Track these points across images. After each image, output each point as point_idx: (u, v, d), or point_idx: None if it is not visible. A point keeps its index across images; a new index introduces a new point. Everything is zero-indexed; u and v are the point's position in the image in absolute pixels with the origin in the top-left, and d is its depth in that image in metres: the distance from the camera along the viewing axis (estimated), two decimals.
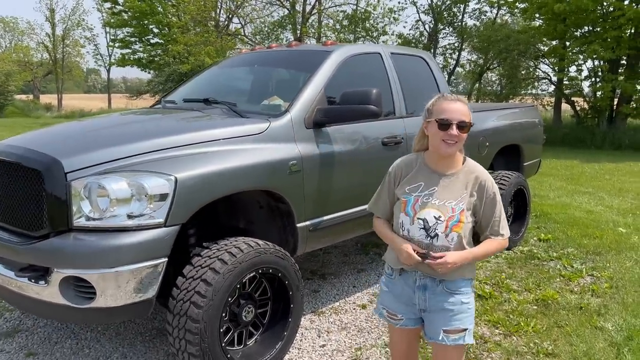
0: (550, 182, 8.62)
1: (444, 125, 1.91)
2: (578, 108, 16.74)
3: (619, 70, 15.21)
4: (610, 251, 4.90)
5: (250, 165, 2.73)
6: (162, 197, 2.36)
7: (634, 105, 14.83)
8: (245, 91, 3.77)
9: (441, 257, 1.88)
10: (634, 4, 13.60)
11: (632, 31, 14.34)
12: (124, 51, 25.99)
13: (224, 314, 2.49)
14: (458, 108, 1.92)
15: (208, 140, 2.73)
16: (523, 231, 5.13)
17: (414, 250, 1.93)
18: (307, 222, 3.12)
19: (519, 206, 5.15)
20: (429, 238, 1.94)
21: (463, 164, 2.04)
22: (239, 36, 27.08)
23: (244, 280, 2.56)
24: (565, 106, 17.94)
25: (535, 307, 3.65)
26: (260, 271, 2.64)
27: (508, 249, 4.92)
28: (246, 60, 4.06)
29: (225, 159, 2.66)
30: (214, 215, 2.99)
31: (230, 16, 27.16)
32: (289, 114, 3.08)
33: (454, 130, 1.89)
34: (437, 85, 4.31)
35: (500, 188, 4.75)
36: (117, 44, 26.66)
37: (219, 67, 4.17)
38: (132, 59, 25.34)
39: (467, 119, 1.93)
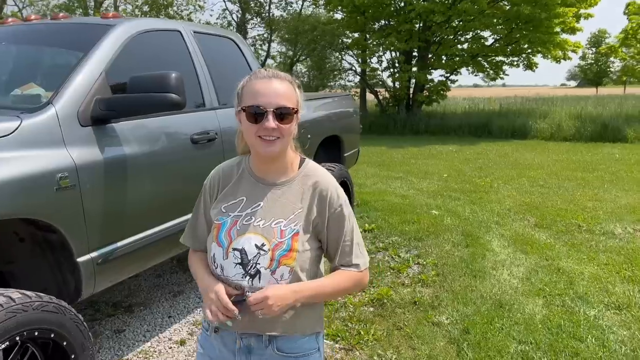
0: (364, 170, 8.83)
1: (256, 114, 1.34)
2: (381, 97, 17.96)
3: (412, 62, 16.63)
4: (429, 235, 4.99)
5: None
6: None
7: (427, 93, 16.39)
8: None
9: (261, 298, 1.29)
10: (421, 0, 14.90)
11: (421, 25, 15.76)
12: None
13: None
14: (275, 89, 1.35)
15: None
16: None
17: (230, 297, 1.33)
18: (93, 254, 2.31)
19: None
20: (247, 277, 1.35)
21: (300, 167, 1.48)
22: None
23: None
24: (369, 95, 19.12)
25: (372, 309, 3.39)
26: (20, 338, 1.80)
27: None
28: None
29: None
30: None
31: None
32: (53, 107, 2.22)
33: (271, 122, 1.32)
34: (250, 70, 3.77)
35: None
36: None
37: None
38: None
39: (290, 103, 1.36)
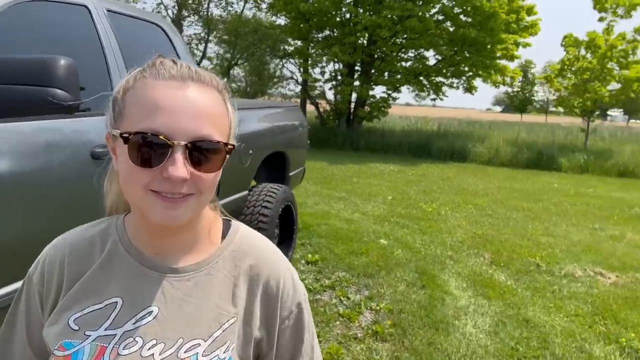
0: (305, 187, 8.17)
1: (152, 149, 0.73)
2: (321, 110, 17.45)
3: (354, 76, 16.28)
4: (380, 271, 4.39)
5: None
6: None
7: (368, 109, 16.06)
8: None
9: None
10: (368, 13, 14.57)
11: (366, 39, 15.44)
12: None
13: None
14: (192, 102, 0.75)
15: None
16: (290, 255, 4.24)
17: None
18: None
19: (284, 225, 4.24)
20: None
21: (225, 237, 0.89)
22: None
23: None
24: (310, 107, 18.57)
25: None
26: None
27: None
28: None
29: None
30: None
31: None
32: None
33: (179, 166, 0.72)
34: None
35: (265, 207, 3.73)
36: None
37: None
38: None
39: (218, 132, 0.77)
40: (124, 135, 0.73)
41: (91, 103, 2.00)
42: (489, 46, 14.47)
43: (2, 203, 1.69)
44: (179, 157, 0.71)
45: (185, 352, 0.77)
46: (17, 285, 1.78)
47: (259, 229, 3.68)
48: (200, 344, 0.78)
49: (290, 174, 4.56)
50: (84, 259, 0.84)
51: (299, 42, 17.41)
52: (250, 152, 3.59)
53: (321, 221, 5.95)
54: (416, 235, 5.67)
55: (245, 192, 3.72)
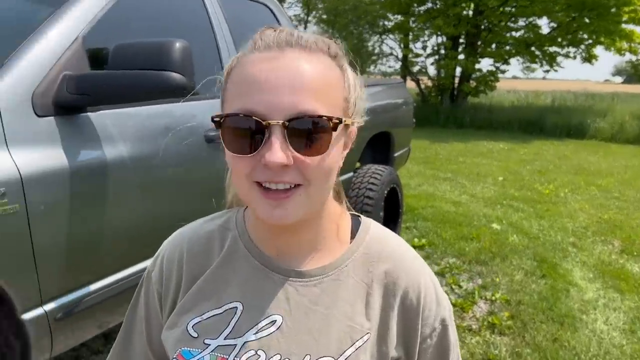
0: (407, 167, 7.91)
1: (248, 132, 0.63)
2: (423, 86, 16.85)
3: (459, 50, 15.48)
4: (494, 258, 4.11)
5: None
6: None
7: (474, 84, 15.23)
8: None
9: None
10: None
11: (472, 9, 14.57)
12: None
13: None
14: (292, 70, 0.63)
15: None
16: None
17: None
18: (49, 306, 1.56)
19: (389, 209, 4.10)
20: None
21: (355, 237, 0.77)
22: None
23: None
24: (410, 84, 18.04)
25: None
26: None
27: None
28: None
29: None
30: None
31: None
32: None
33: (276, 150, 0.61)
34: None
35: (370, 189, 3.61)
36: None
37: None
38: None
39: (327, 105, 0.64)
40: (215, 119, 0.65)
41: (203, 86, 1.99)
42: (613, 9, 12.96)
43: (122, 187, 1.74)
44: (276, 139, 0.61)
45: None
46: (139, 266, 1.83)
47: (363, 212, 3.58)
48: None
49: (395, 154, 4.40)
50: (203, 256, 0.77)
51: (399, 17, 16.86)
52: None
53: (426, 203, 5.72)
54: (532, 219, 5.25)
55: (350, 174, 3.62)
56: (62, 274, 1.58)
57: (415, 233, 4.67)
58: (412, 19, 16.14)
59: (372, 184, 3.65)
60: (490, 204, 5.87)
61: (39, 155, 1.49)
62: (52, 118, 1.57)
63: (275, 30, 0.68)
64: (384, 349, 0.70)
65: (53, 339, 1.61)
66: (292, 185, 0.64)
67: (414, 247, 4.27)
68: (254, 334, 0.69)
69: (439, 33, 15.34)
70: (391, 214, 4.11)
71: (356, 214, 0.82)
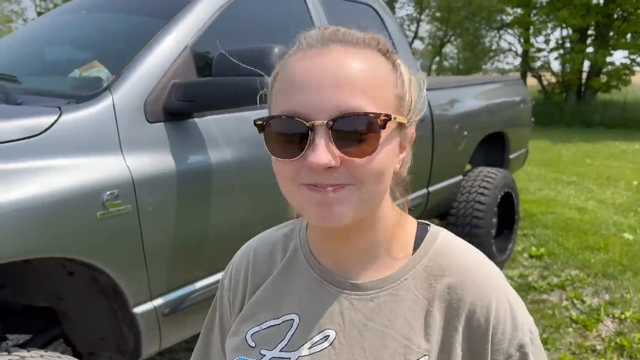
0: (526, 170, 7.40)
1: (292, 135, 0.60)
2: (545, 83, 15.70)
3: (587, 42, 14.19)
4: (625, 271, 3.67)
5: None
6: None
7: (605, 78, 13.87)
8: (54, 54, 2.20)
9: None
10: None
11: None
12: None
13: None
14: (335, 68, 0.59)
15: None
16: (510, 248, 3.83)
17: None
18: (158, 302, 1.66)
19: (504, 214, 3.84)
20: None
21: (417, 248, 0.71)
22: None
23: None
24: (531, 81, 16.92)
25: None
26: None
27: None
28: (83, 3, 2.44)
29: None
30: None
31: None
32: (111, 95, 1.58)
33: (320, 151, 0.58)
34: (394, 47, 2.87)
35: (482, 193, 3.41)
36: None
37: (48, 17, 2.56)
38: None
39: (373, 101, 0.60)
40: (257, 123, 0.62)
41: None
42: None
43: (226, 189, 1.80)
44: (320, 140, 0.58)
45: None
46: None
47: (474, 218, 3.39)
48: None
49: (511, 156, 4.11)
50: (266, 264, 0.77)
51: (518, 10, 15.87)
52: (465, 133, 3.30)
53: (546, 209, 5.29)
54: None
55: (459, 178, 3.45)
56: (169, 271, 1.68)
57: (532, 241, 4.33)
58: (534, 11, 15.09)
59: (484, 187, 3.45)
60: (622, 211, 5.27)
61: (149, 159, 1.59)
62: (161, 124, 1.67)
63: (320, 29, 0.66)
64: None
65: (162, 334, 1.71)
66: (338, 185, 0.60)
67: (531, 256, 3.97)
68: (307, 348, 0.67)
69: (564, 25, 14.19)
70: (506, 220, 3.85)
71: (426, 222, 0.76)
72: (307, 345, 0.68)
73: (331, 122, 0.58)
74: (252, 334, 0.72)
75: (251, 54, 1.63)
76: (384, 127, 0.60)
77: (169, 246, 1.65)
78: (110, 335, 1.73)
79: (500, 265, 3.66)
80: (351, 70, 0.59)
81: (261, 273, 0.77)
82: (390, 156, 0.64)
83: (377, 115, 0.59)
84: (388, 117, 0.60)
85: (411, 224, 0.74)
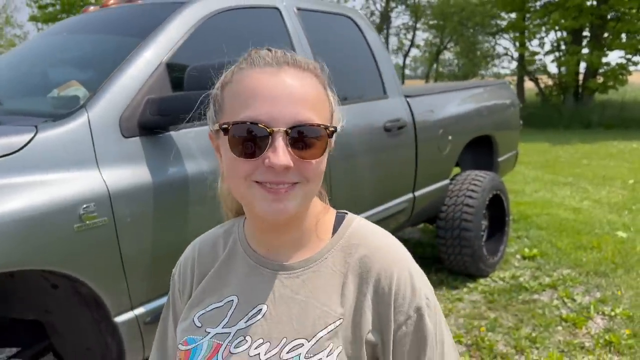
0: (523, 172, 7.45)
1: (252, 138, 0.72)
2: (542, 85, 15.74)
3: (582, 44, 14.25)
4: (617, 269, 3.69)
5: None
6: None
7: (601, 79, 13.90)
8: (35, 76, 2.27)
9: None
10: None
11: None
12: None
13: None
14: (290, 87, 0.73)
15: None
16: (502, 250, 3.85)
17: None
18: (139, 311, 1.71)
19: (494, 217, 3.88)
20: None
21: (336, 232, 0.84)
22: None
23: None
24: (528, 84, 16.97)
25: None
26: None
27: (484, 276, 3.64)
28: (65, 26, 2.52)
29: None
30: None
31: None
32: (86, 112, 1.65)
33: (280, 153, 0.70)
34: (373, 58, 2.94)
35: (469, 196, 3.45)
36: None
37: (33, 40, 2.63)
38: None
39: (319, 116, 0.74)
40: (223, 126, 0.73)
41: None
42: None
43: (202, 199, 1.85)
44: (280, 144, 0.70)
45: (287, 352, 0.74)
46: None
47: (463, 221, 3.42)
48: (303, 344, 0.75)
49: (500, 159, 4.15)
50: (210, 257, 0.89)
51: (512, 15, 15.98)
52: (450, 137, 3.35)
53: (541, 211, 5.31)
54: None
55: (446, 182, 3.49)
56: (149, 281, 1.73)
57: (526, 242, 4.35)
58: (527, 15, 15.19)
59: (472, 191, 3.49)
60: (617, 209, 5.29)
61: (125, 172, 1.65)
62: (137, 138, 1.73)
63: (270, 51, 0.78)
64: (357, 333, 0.75)
65: (144, 341, 1.75)
66: (290, 184, 0.73)
67: (524, 257, 4.00)
68: (244, 322, 0.79)
69: (557, 28, 14.26)
70: (496, 223, 3.88)
71: (344, 211, 0.88)
72: (244, 319, 0.79)
73: (289, 130, 0.70)
74: (199, 316, 0.83)
75: (220, 68, 1.69)
76: (331, 136, 0.75)
77: (147, 256, 1.70)
78: (96, 346, 1.78)
79: (493, 267, 3.69)
80: (303, 89, 0.73)
81: (206, 265, 0.89)
82: (325, 159, 0.77)
83: (326, 126, 0.74)
84: (335, 129, 0.76)
85: (331, 213, 0.87)
